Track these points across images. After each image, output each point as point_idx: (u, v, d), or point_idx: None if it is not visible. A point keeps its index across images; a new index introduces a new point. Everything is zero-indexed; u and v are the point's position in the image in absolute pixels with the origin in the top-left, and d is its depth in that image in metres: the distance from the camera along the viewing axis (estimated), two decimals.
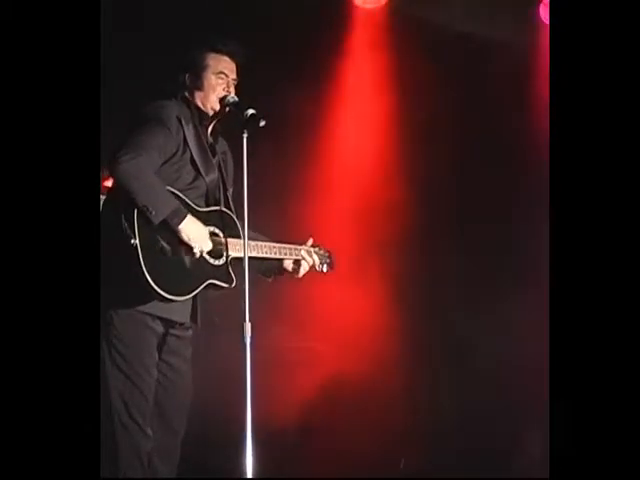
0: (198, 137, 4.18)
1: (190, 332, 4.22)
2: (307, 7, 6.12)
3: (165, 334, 4.12)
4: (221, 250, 4.12)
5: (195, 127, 4.18)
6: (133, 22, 5.68)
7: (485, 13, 6.05)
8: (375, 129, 6.45)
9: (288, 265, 4.46)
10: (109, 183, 4.21)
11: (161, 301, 3.96)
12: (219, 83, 4.22)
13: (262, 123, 4.07)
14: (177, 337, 4.17)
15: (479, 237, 6.17)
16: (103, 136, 3.42)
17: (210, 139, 4.29)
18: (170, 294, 3.94)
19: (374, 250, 6.22)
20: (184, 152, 4.11)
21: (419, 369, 6.00)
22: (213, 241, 4.10)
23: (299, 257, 4.45)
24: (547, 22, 5.98)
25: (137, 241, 3.87)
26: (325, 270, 4.56)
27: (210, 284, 4.08)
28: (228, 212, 4.23)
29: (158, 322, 4.08)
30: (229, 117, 4.22)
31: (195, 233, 4.02)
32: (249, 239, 4.09)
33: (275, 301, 5.55)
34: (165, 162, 4.04)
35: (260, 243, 4.32)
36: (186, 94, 4.23)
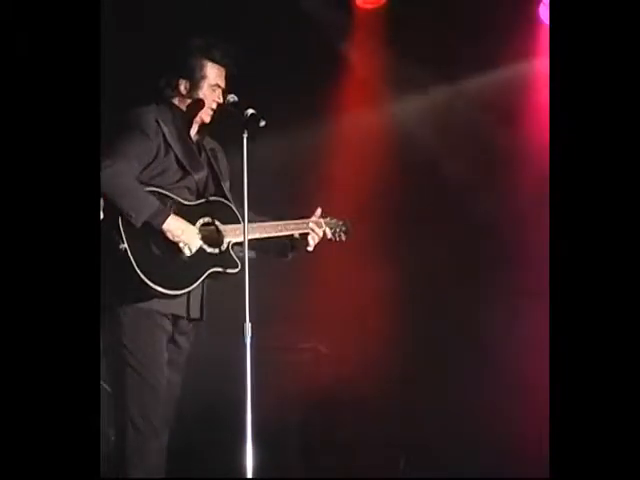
0: (181, 137, 4.21)
1: (187, 345, 4.24)
2: (307, 7, 6.13)
3: (170, 339, 4.14)
4: (219, 238, 4.14)
5: (177, 128, 4.20)
6: (129, 25, 5.69)
7: (485, 13, 6.04)
8: (375, 128, 6.45)
9: (297, 241, 4.40)
10: None
11: (162, 297, 3.99)
12: (212, 95, 4.26)
13: (262, 123, 4.07)
14: (175, 345, 4.19)
15: (480, 236, 6.17)
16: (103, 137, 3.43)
17: (196, 137, 4.31)
18: (169, 289, 3.99)
19: (376, 249, 6.22)
20: (167, 153, 4.14)
21: (421, 369, 5.99)
22: (207, 230, 4.13)
23: (307, 230, 4.40)
24: (547, 22, 5.98)
25: (126, 245, 3.92)
26: (343, 238, 4.46)
27: (214, 272, 4.10)
28: (224, 200, 4.25)
29: (166, 321, 4.10)
30: (228, 117, 4.23)
31: (180, 231, 4.05)
32: (251, 222, 4.08)
33: (275, 301, 5.55)
34: (147, 165, 4.08)
35: (263, 224, 4.31)
36: (174, 100, 4.26)
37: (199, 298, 4.18)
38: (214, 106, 4.26)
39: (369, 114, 6.47)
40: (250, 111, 4.10)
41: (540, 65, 5.87)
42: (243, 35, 5.64)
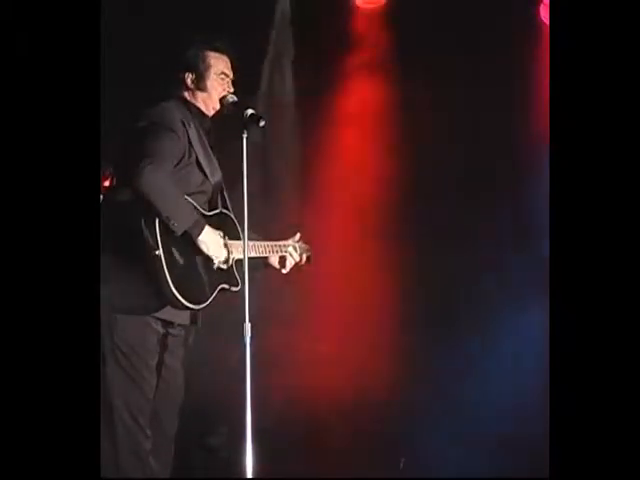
0: (201, 139, 4.17)
1: (183, 331, 4.22)
2: (307, 7, 6.13)
3: (165, 334, 4.13)
4: (227, 254, 4.14)
5: (196, 129, 4.17)
6: (132, 21, 5.68)
7: (485, 13, 6.04)
8: (374, 128, 6.46)
9: (274, 261, 4.51)
10: (107, 183, 4.20)
11: (180, 309, 3.99)
12: (221, 83, 4.22)
13: (262, 123, 4.06)
14: (173, 336, 4.17)
15: (479, 237, 6.17)
16: (103, 136, 3.42)
17: (209, 137, 4.29)
18: (191, 303, 3.97)
19: (375, 249, 6.22)
20: (190, 155, 4.09)
21: (420, 368, 5.99)
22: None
23: (286, 254, 4.51)
24: (547, 22, 5.98)
25: (161, 252, 3.87)
26: (304, 262, 4.62)
27: (221, 289, 4.10)
28: (228, 213, 4.24)
29: (158, 322, 4.08)
30: (227, 116, 4.22)
31: (213, 243, 4.05)
32: (247, 239, 4.10)
33: (275, 301, 5.56)
34: (174, 167, 4.01)
35: (257, 243, 4.35)
36: (186, 95, 4.22)
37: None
38: (223, 95, 4.21)
39: (369, 114, 6.47)
40: (250, 111, 4.09)
41: (540, 65, 5.87)
42: (241, 36, 5.65)
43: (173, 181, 3.95)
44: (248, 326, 3.88)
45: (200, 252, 4.01)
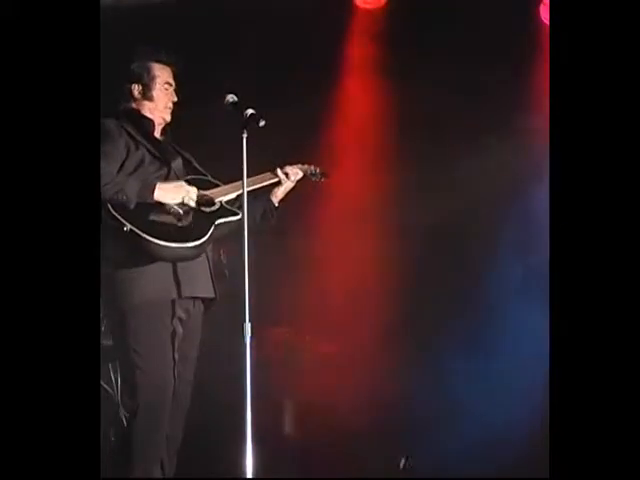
0: (146, 136, 4.29)
1: (203, 307, 4.30)
2: (307, 6, 6.13)
3: (181, 320, 4.20)
4: (209, 200, 4.21)
5: (141, 129, 4.30)
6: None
7: (485, 13, 6.04)
8: (373, 127, 6.46)
9: (277, 191, 4.56)
10: None
11: (177, 258, 4.07)
12: (165, 93, 4.39)
13: (262, 123, 4.09)
14: (183, 339, 4.24)
15: (480, 238, 6.17)
16: None
17: (162, 137, 4.42)
18: (181, 242, 4.05)
19: (376, 249, 6.22)
20: (137, 147, 4.22)
21: (422, 369, 5.99)
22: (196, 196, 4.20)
23: (282, 176, 4.53)
24: (547, 22, 5.99)
25: (129, 225, 3.96)
26: (319, 177, 4.70)
27: (220, 224, 4.19)
28: (200, 177, 4.34)
29: (177, 321, 4.15)
30: (229, 117, 4.24)
31: (172, 191, 4.13)
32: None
33: (275, 301, 5.55)
34: (123, 163, 4.15)
35: (237, 183, 4.31)
36: (133, 105, 4.37)
37: (209, 276, 4.27)
38: (170, 105, 4.40)
39: (368, 114, 6.48)
40: (250, 111, 4.11)
41: (540, 65, 5.87)
42: (242, 35, 5.66)
43: (106, 172, 4.00)
44: (248, 326, 3.89)
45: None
